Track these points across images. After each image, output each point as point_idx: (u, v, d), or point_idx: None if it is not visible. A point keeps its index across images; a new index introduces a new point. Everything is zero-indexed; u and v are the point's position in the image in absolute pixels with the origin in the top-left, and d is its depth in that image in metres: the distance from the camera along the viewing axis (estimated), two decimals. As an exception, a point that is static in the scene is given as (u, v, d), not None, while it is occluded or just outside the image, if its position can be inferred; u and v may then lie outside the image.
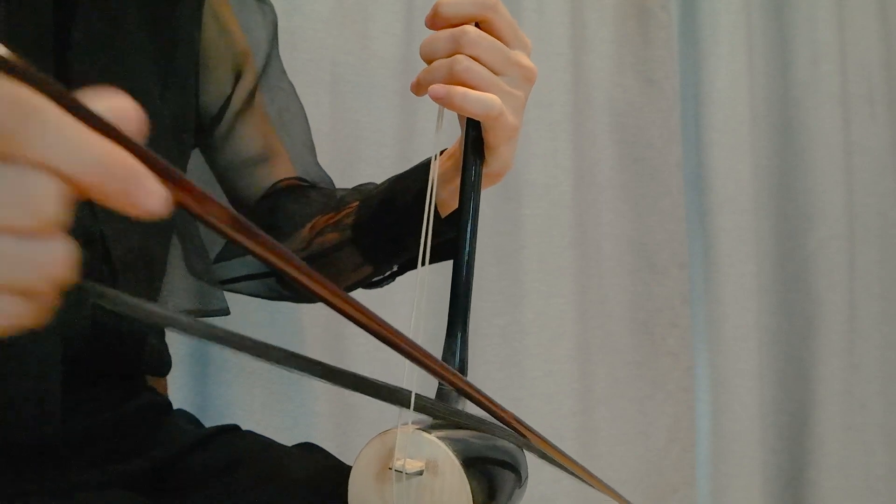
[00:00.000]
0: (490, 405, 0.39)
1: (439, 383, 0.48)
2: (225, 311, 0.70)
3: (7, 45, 0.23)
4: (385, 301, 0.98)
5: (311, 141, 0.76)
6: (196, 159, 0.73)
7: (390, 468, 0.41)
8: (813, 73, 1.40)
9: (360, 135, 1.02)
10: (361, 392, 0.35)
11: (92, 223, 0.54)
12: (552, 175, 1.16)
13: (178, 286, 0.67)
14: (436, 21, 0.51)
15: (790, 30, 1.41)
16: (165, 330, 0.65)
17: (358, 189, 0.69)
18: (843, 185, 1.41)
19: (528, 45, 0.53)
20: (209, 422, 0.74)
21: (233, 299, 0.72)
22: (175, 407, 0.70)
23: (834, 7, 1.41)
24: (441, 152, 0.60)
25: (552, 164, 1.16)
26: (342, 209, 0.66)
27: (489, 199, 1.12)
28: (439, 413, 0.41)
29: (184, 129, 0.65)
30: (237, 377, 0.96)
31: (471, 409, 0.44)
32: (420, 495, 0.41)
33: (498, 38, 0.50)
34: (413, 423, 0.43)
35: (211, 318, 0.69)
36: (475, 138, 0.53)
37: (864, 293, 1.45)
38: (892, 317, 1.48)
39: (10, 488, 0.51)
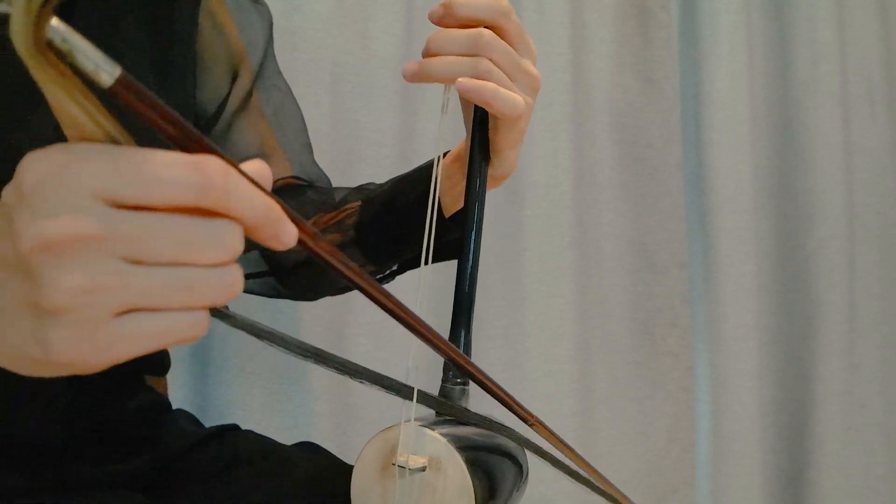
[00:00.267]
0: (517, 407, 0.41)
1: (441, 383, 0.48)
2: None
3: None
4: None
5: (308, 140, 0.75)
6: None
7: (393, 464, 0.41)
8: (813, 73, 1.40)
9: (360, 135, 1.02)
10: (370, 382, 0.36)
11: None
12: (552, 175, 1.16)
13: None
14: (446, 19, 0.51)
15: (790, 30, 1.41)
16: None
17: (359, 189, 0.69)
18: (843, 185, 1.41)
19: (535, 53, 0.53)
20: (209, 422, 0.74)
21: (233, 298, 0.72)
22: (175, 407, 0.70)
23: (834, 7, 1.41)
24: (444, 154, 0.60)
25: (552, 164, 1.16)
26: (344, 209, 0.66)
27: (490, 201, 1.11)
28: (441, 408, 0.41)
29: None
30: (237, 377, 0.95)
31: (474, 408, 0.44)
32: (423, 491, 0.41)
33: (508, 45, 0.51)
34: (416, 419, 0.43)
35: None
36: (481, 140, 0.53)
37: (864, 293, 1.45)
38: (892, 317, 1.48)
39: (10, 487, 0.51)
